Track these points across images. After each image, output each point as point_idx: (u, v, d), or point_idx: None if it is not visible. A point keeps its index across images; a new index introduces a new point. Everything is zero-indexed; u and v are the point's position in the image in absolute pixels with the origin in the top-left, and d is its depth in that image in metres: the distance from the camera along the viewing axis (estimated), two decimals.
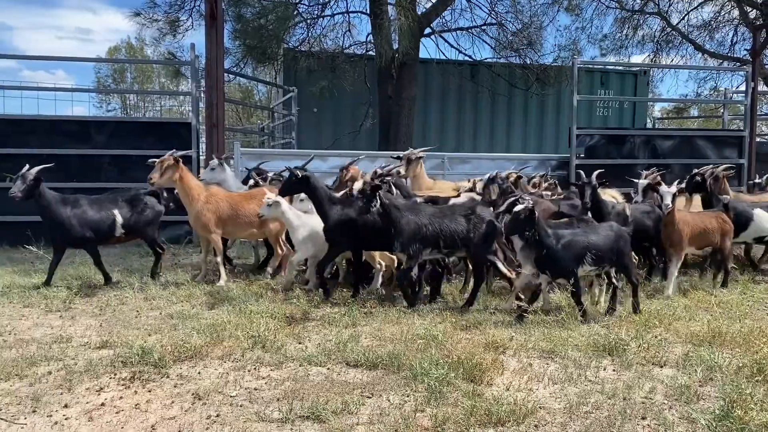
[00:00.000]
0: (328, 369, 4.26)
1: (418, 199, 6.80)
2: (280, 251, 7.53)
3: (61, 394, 3.79)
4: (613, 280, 5.78)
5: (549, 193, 8.39)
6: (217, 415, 3.49)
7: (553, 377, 4.12)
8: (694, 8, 20.18)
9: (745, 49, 19.89)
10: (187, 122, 10.60)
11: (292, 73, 15.05)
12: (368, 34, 14.64)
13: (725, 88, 18.67)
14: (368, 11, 13.93)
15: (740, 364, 4.28)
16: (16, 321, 5.52)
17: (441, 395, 3.73)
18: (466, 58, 15.51)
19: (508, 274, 6.20)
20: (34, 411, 3.55)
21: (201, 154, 11.15)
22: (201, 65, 10.82)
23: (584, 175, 6.79)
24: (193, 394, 3.79)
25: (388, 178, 7.30)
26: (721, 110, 15.99)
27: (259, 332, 4.85)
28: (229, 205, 7.12)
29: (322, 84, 14.04)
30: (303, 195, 6.77)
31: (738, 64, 19.60)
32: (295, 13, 13.84)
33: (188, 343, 4.61)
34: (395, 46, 13.20)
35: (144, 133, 10.45)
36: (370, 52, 14.72)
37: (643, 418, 3.50)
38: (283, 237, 7.51)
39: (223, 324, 5.14)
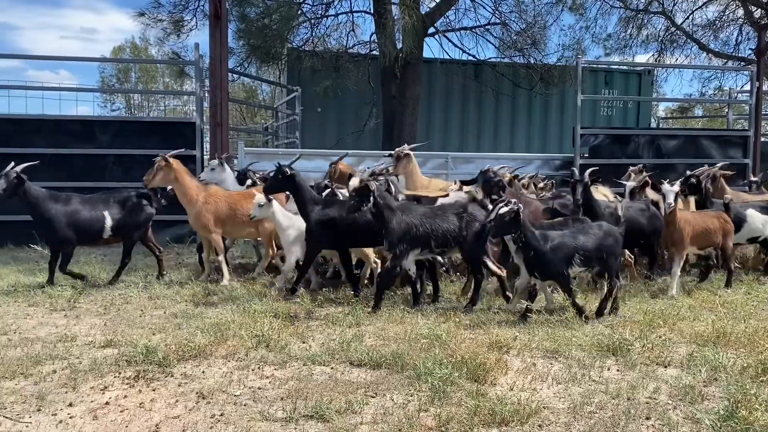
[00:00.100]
0: (332, 368, 4.27)
1: (400, 197, 6.75)
2: (270, 252, 7.53)
3: (66, 392, 3.81)
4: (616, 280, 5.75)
5: (533, 195, 8.27)
6: (221, 414, 3.50)
7: (556, 377, 4.11)
8: (699, 7, 20.14)
9: (750, 49, 19.81)
10: (192, 122, 10.61)
11: (295, 73, 15.05)
12: (372, 34, 14.64)
13: (730, 88, 18.65)
14: (372, 11, 13.92)
15: (745, 365, 4.27)
16: (21, 320, 5.54)
17: (445, 395, 3.73)
18: (470, 57, 15.49)
19: (499, 271, 6.19)
20: (38, 410, 3.56)
21: (205, 153, 11.17)
22: (205, 65, 10.83)
23: (577, 173, 6.76)
24: (197, 393, 3.79)
25: (389, 177, 7.30)
26: (726, 110, 15.95)
27: (262, 331, 4.86)
28: (227, 205, 7.11)
29: (326, 83, 14.03)
30: None
31: (743, 63, 19.52)
32: (299, 12, 13.83)
33: (192, 343, 4.62)
34: (399, 45, 13.18)
35: (148, 132, 10.47)
36: (374, 52, 14.71)
37: (648, 418, 3.49)
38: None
39: (227, 323, 5.15)
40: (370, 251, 6.83)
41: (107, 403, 3.66)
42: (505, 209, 5.21)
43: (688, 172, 7.76)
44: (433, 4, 14.69)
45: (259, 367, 4.27)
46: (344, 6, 14.57)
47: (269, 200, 6.54)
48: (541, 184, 9.03)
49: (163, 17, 14.12)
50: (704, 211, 7.29)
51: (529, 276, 5.58)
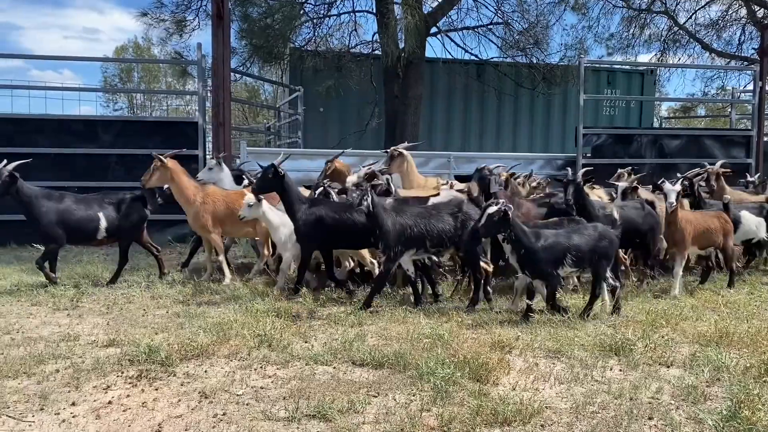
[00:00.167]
0: (334, 368, 4.27)
1: (388, 199, 6.71)
2: (266, 252, 7.53)
3: (69, 392, 3.81)
4: (610, 280, 5.73)
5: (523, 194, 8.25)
6: (224, 414, 3.50)
7: (559, 377, 4.11)
8: (702, 7, 20.12)
9: (753, 48, 19.76)
10: (194, 121, 10.63)
11: (298, 73, 15.06)
12: (374, 34, 14.65)
13: (733, 88, 18.59)
14: (374, 10, 13.93)
15: (748, 365, 4.26)
16: (24, 319, 5.55)
17: (447, 394, 3.73)
18: (473, 57, 15.48)
19: (488, 268, 6.20)
20: (41, 409, 3.56)
21: (208, 153, 11.18)
22: (207, 65, 10.85)
23: (570, 173, 6.74)
24: (199, 392, 3.80)
25: (387, 176, 7.30)
26: (729, 109, 15.92)
27: (265, 331, 4.86)
28: (225, 204, 7.09)
29: (329, 83, 14.04)
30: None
31: (745, 63, 19.51)
32: (301, 12, 13.84)
33: (195, 342, 4.62)
34: (401, 45, 13.18)
35: (151, 132, 10.49)
36: (377, 52, 14.71)
37: (650, 419, 3.49)
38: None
39: (229, 323, 5.15)
40: (365, 252, 6.81)
41: (110, 402, 3.66)
42: (493, 209, 5.24)
43: (679, 175, 7.71)
44: (435, 4, 14.72)
45: (261, 367, 4.27)
46: (347, 6, 14.59)
47: (258, 200, 6.54)
48: (534, 183, 8.98)
49: (165, 17, 14.17)
50: (705, 211, 7.27)
51: (522, 274, 5.59)
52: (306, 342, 4.84)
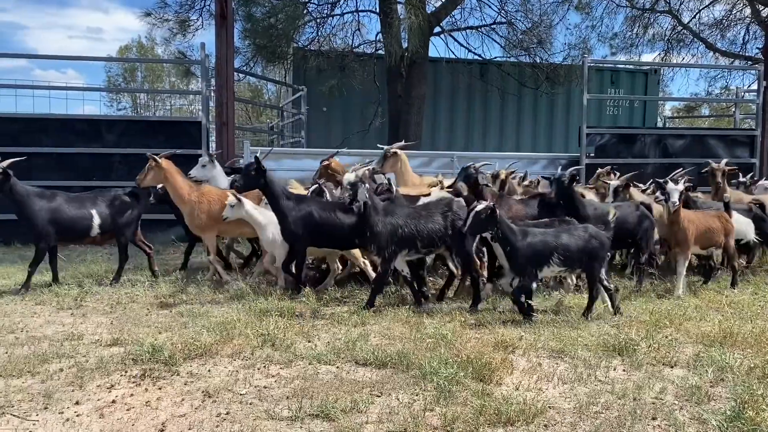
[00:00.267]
0: (338, 367, 4.27)
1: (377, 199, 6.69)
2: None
3: (73, 391, 3.82)
4: (605, 282, 5.71)
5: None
6: (227, 413, 3.51)
7: (562, 377, 4.11)
8: (706, 6, 20.03)
9: (757, 48, 19.69)
10: (198, 121, 10.64)
11: (301, 72, 15.06)
12: (378, 33, 14.65)
13: (737, 87, 18.57)
14: (378, 10, 13.93)
15: (752, 365, 4.25)
16: (28, 318, 5.57)
17: (450, 394, 3.73)
18: (476, 56, 15.46)
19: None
20: (45, 408, 3.57)
21: (216, 153, 11.18)
22: (211, 64, 10.86)
23: (558, 171, 6.68)
24: (203, 391, 3.80)
25: (388, 176, 7.28)
26: (733, 109, 15.88)
27: (268, 330, 4.87)
28: (221, 204, 7.01)
29: (332, 83, 14.04)
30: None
31: (750, 62, 19.44)
32: (304, 12, 13.85)
33: (198, 341, 4.63)
34: (405, 44, 13.18)
35: (154, 131, 10.51)
36: (380, 51, 14.71)
37: (654, 419, 3.48)
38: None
39: (232, 322, 5.16)
40: (357, 252, 6.81)
41: (114, 401, 3.67)
42: (480, 207, 5.28)
43: (668, 177, 7.62)
44: (438, 4, 14.68)
45: (264, 366, 4.27)
46: (350, 5, 14.64)
47: (239, 200, 6.53)
48: (525, 182, 8.94)
49: (169, 17, 14.19)
50: (706, 211, 7.24)
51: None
52: (309, 341, 4.84)
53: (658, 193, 7.33)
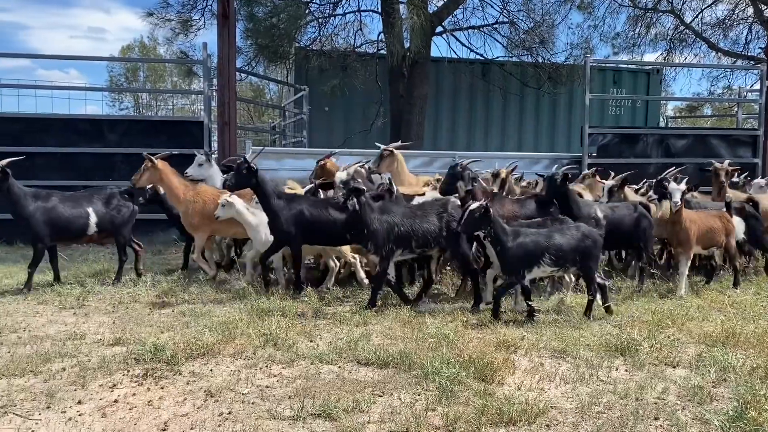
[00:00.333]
0: (340, 367, 4.27)
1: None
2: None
3: (75, 390, 3.83)
4: (599, 280, 5.70)
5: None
6: (229, 413, 3.51)
7: (564, 377, 4.10)
8: (708, 6, 20.02)
9: (760, 48, 19.69)
10: (200, 121, 10.66)
11: (303, 72, 15.07)
12: (380, 33, 14.64)
13: (739, 87, 18.54)
14: (380, 10, 13.92)
15: (754, 365, 4.24)
16: (30, 318, 5.57)
17: (452, 394, 3.73)
18: (478, 56, 15.45)
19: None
20: (48, 407, 3.58)
21: (213, 152, 11.19)
22: (213, 64, 10.86)
23: (553, 170, 6.64)
24: (205, 391, 3.81)
25: (389, 176, 7.26)
26: (735, 109, 15.85)
27: (270, 330, 4.87)
28: (215, 203, 6.98)
29: (334, 83, 14.04)
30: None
31: (752, 62, 19.41)
32: (306, 12, 13.85)
33: (200, 341, 4.63)
34: (407, 44, 13.18)
35: (156, 131, 10.53)
36: (382, 51, 14.70)
37: (656, 419, 3.48)
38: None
39: (234, 322, 5.17)
40: (346, 249, 6.81)
41: (116, 400, 3.68)
42: (474, 206, 5.27)
43: (659, 177, 7.57)
44: (440, 3, 14.67)
45: (266, 366, 4.28)
46: (352, 5, 14.64)
47: (228, 200, 6.54)
48: (523, 183, 8.92)
49: (171, 17, 14.19)
50: (707, 211, 7.22)
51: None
52: (311, 341, 4.84)
53: (651, 193, 7.31)
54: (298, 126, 15.40)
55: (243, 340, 4.74)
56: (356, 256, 6.88)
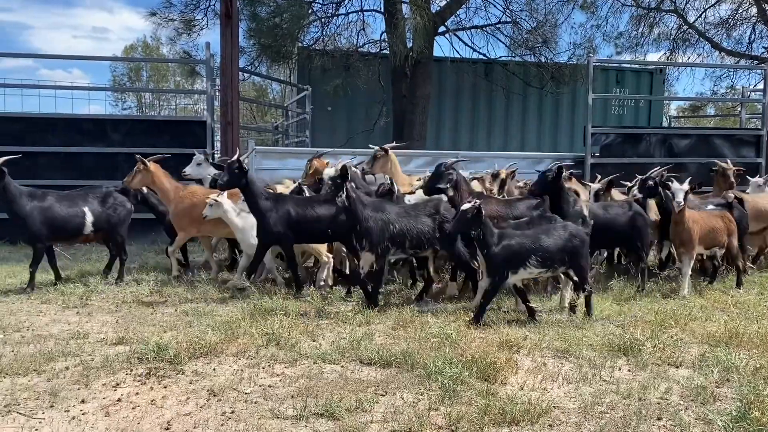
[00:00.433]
0: (342, 367, 4.27)
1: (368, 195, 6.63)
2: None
3: (78, 389, 3.83)
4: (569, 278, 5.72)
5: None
6: (232, 412, 3.52)
7: (567, 377, 4.10)
8: (711, 5, 19.99)
9: (763, 47, 19.69)
10: (203, 120, 10.66)
11: (306, 72, 15.07)
12: (382, 33, 14.63)
13: (742, 87, 18.46)
14: (382, 10, 13.92)
15: (758, 365, 4.24)
16: (33, 317, 5.59)
17: (455, 394, 3.73)
18: (481, 56, 15.44)
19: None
20: (51, 406, 3.59)
21: (216, 152, 11.22)
22: (216, 64, 10.87)
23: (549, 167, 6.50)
24: (208, 390, 3.81)
25: (389, 176, 7.25)
26: (738, 109, 15.82)
27: (273, 329, 4.87)
28: (204, 204, 7.01)
29: (336, 82, 14.03)
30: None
31: (755, 62, 19.38)
32: (309, 11, 13.84)
33: (203, 340, 4.64)
34: (409, 44, 13.16)
35: (159, 131, 10.55)
36: (384, 51, 14.70)
37: (659, 419, 3.47)
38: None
39: (237, 321, 5.17)
40: (322, 248, 6.82)
41: (119, 399, 3.68)
42: (467, 206, 5.25)
43: (643, 176, 7.40)
44: (443, 3, 14.66)
45: (269, 365, 4.28)
46: (355, 5, 14.59)
47: (216, 200, 6.54)
48: (520, 184, 8.91)
49: (174, 17, 14.20)
50: (709, 211, 7.20)
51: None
52: (314, 341, 4.85)
53: (634, 191, 7.28)
54: (300, 126, 15.40)
55: (246, 340, 4.74)
56: (330, 255, 6.87)
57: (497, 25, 14.93)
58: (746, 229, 7.52)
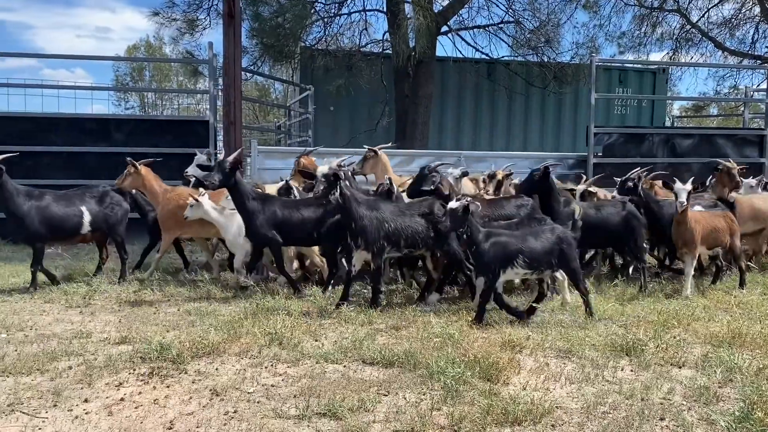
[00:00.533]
0: (345, 366, 4.27)
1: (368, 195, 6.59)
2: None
3: (82, 388, 3.84)
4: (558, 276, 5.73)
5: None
6: (235, 411, 3.52)
7: (570, 377, 4.10)
8: (714, 5, 19.94)
9: (766, 47, 19.64)
10: (205, 120, 10.68)
11: (308, 72, 15.09)
12: (385, 33, 14.68)
13: (745, 86, 18.45)
14: (385, 10, 13.93)
15: (761, 366, 4.22)
16: (37, 316, 5.60)
17: (457, 394, 3.73)
18: (483, 56, 15.45)
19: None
20: (55, 405, 3.59)
21: (219, 151, 11.21)
22: (219, 64, 10.89)
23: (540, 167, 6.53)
24: (210, 390, 3.81)
25: (389, 177, 7.23)
26: (742, 108, 15.80)
27: (275, 329, 4.87)
28: None
29: (339, 82, 14.05)
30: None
31: (759, 61, 19.34)
32: (312, 11, 13.87)
33: (206, 340, 4.64)
34: (412, 44, 13.18)
35: (162, 131, 10.57)
36: (387, 51, 14.72)
37: (662, 419, 3.47)
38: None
39: (240, 321, 5.18)
40: (314, 250, 6.81)
41: (122, 399, 3.69)
42: (456, 204, 5.26)
43: (625, 176, 7.35)
44: (446, 3, 14.68)
45: (272, 365, 4.28)
46: (357, 5, 14.70)
47: (196, 200, 6.54)
48: (516, 181, 8.90)
49: (177, 16, 14.25)
50: (711, 211, 7.18)
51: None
52: (316, 340, 4.85)
53: (615, 192, 7.28)
54: (303, 125, 15.41)
55: (248, 339, 4.74)
56: (323, 259, 6.85)
57: (500, 25, 14.95)
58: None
